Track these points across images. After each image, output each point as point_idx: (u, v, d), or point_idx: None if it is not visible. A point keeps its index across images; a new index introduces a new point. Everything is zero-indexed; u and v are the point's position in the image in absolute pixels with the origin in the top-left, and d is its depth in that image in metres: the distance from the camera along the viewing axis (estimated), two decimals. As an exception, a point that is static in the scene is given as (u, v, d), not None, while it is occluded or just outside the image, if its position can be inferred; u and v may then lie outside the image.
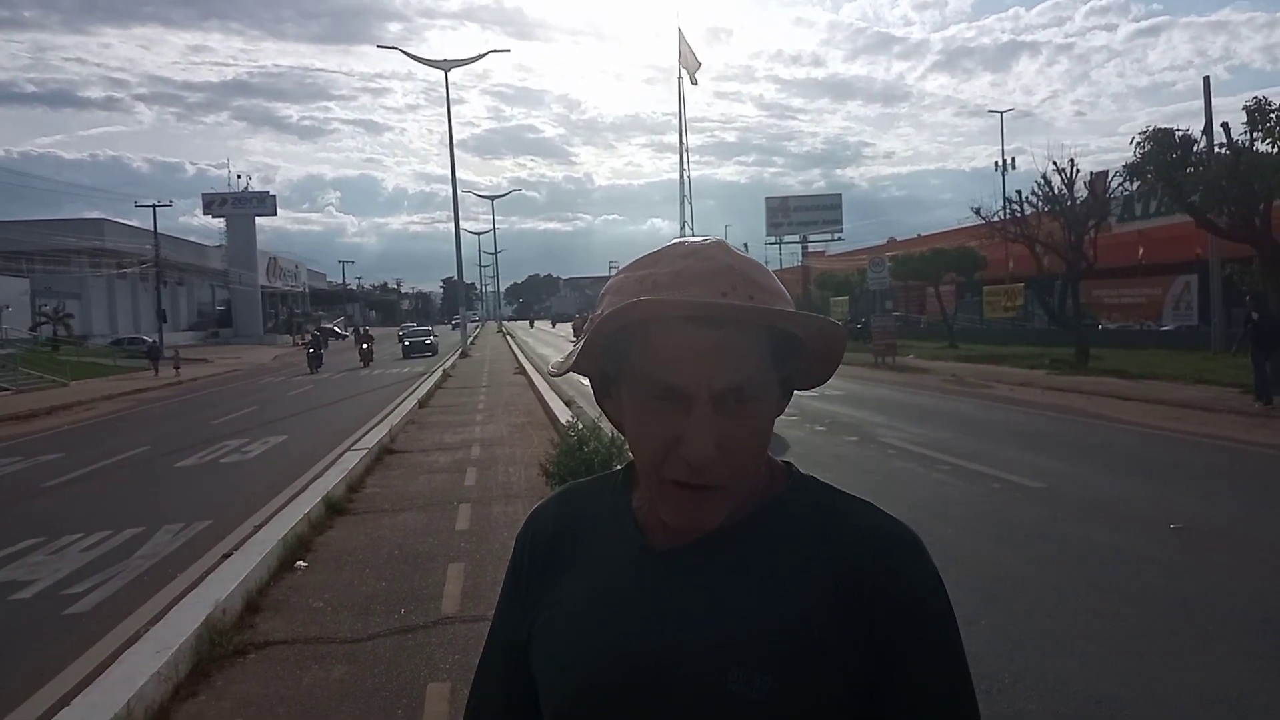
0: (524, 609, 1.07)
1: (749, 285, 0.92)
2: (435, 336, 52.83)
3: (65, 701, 4.46)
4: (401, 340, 50.03)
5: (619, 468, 1.12)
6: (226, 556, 7.15)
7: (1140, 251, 32.19)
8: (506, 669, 1.09)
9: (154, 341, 46.57)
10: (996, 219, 29.12)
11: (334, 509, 9.13)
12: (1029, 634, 5.23)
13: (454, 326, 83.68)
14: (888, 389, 20.92)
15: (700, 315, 0.89)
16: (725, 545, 0.97)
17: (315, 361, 37.46)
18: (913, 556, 0.95)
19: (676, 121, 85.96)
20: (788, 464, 1.05)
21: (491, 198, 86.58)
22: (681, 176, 70.51)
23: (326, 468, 11.62)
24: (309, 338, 35.07)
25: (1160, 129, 19.67)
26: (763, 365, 0.93)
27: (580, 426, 10.15)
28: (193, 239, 78.99)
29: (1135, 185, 24.90)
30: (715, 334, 0.90)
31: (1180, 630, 5.30)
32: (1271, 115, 17.76)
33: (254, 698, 4.73)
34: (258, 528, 8.21)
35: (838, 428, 14.31)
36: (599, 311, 0.95)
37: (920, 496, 8.90)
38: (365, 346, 41.66)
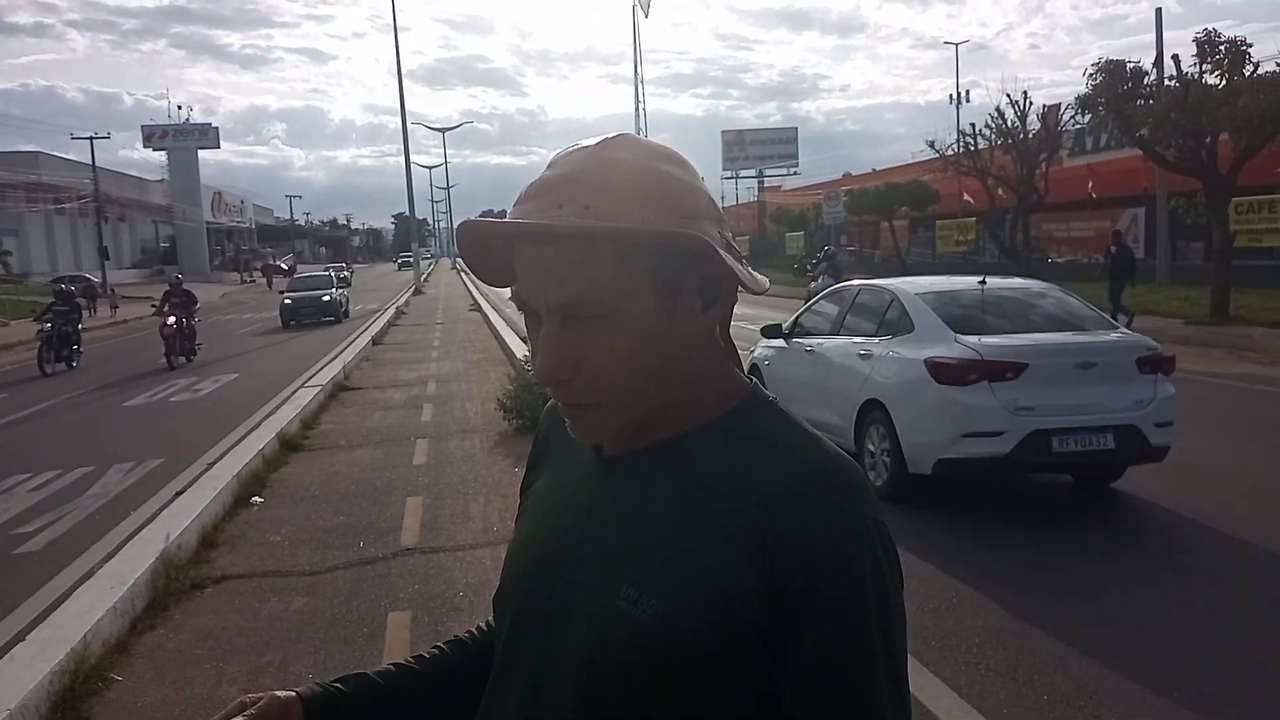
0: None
1: (592, 194, 0.85)
2: (344, 290, 32.35)
3: (20, 637, 4.42)
4: (284, 300, 29.12)
5: None
6: (180, 494, 7.07)
7: (1090, 185, 32.55)
8: None
9: (89, 280, 41.67)
10: (950, 153, 29.21)
11: (289, 445, 9.06)
12: (975, 557, 5.39)
13: (400, 266, 78.67)
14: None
15: (528, 231, 0.88)
16: (656, 461, 0.94)
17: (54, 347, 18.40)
18: (837, 499, 0.86)
19: (631, 52, 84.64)
20: (754, 383, 0.99)
21: (443, 130, 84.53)
22: (637, 109, 69.63)
23: (280, 404, 11.51)
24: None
25: (1112, 61, 19.78)
26: (616, 277, 0.86)
27: (537, 361, 10.16)
28: (133, 173, 76.49)
29: (1086, 118, 25.10)
30: (547, 249, 0.86)
31: (1122, 549, 5.48)
32: (1220, 48, 17.93)
33: (213, 630, 4.73)
34: (211, 465, 8.12)
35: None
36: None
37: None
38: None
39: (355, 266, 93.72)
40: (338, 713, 1.08)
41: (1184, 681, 3.84)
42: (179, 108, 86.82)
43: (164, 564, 5.32)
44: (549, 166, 0.91)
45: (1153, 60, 21.18)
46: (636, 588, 0.88)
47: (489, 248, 0.94)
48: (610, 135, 0.92)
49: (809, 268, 33.38)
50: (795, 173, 67.65)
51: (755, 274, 0.94)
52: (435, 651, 1.18)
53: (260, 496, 7.31)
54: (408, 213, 57.41)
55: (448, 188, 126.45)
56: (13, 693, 3.68)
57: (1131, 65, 19.76)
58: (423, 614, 4.80)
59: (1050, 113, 27.83)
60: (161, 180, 76.76)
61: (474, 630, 1.20)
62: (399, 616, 4.77)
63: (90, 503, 7.57)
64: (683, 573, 0.87)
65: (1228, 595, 4.79)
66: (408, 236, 68.70)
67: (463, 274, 67.15)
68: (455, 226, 0.93)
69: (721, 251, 0.88)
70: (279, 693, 1.06)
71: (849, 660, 0.84)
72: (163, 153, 76.68)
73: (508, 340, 16.94)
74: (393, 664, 1.16)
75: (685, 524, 0.89)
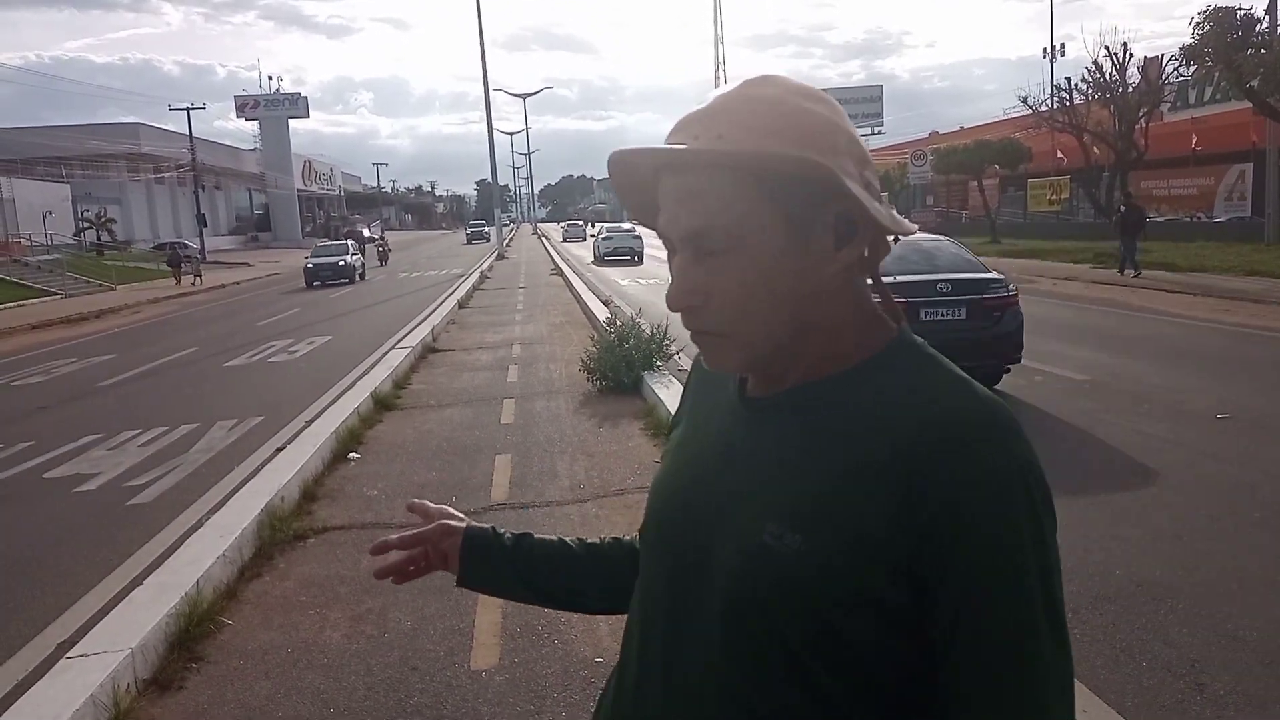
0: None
1: (726, 125, 0.88)
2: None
3: (137, 583, 4.67)
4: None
5: None
6: (280, 450, 7.35)
7: (1193, 140, 31.06)
8: None
9: (174, 247, 41.97)
10: (1044, 108, 28.18)
11: (382, 404, 9.31)
12: (1073, 521, 5.26)
13: (471, 239, 71.51)
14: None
15: (665, 162, 0.92)
16: (801, 402, 0.95)
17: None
18: (984, 444, 0.84)
19: (711, 13, 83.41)
20: (902, 326, 0.98)
21: (523, 95, 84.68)
22: (717, 71, 68.70)
23: (373, 365, 11.81)
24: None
25: (1221, 8, 18.81)
26: (744, 207, 0.88)
27: (619, 324, 10.21)
28: (227, 143, 78.93)
29: (1191, 70, 23.93)
30: (682, 179, 0.90)
31: (1224, 516, 5.30)
32: (1342, -9, 16.84)
33: (316, 578, 4.93)
34: (309, 422, 8.40)
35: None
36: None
37: (962, 389, 8.86)
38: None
39: (440, 231, 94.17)
40: (490, 553, 1.26)
41: (1294, 651, 3.71)
42: (269, 78, 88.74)
43: (268, 516, 5.54)
44: (700, 100, 0.94)
45: (1265, 6, 20.01)
46: (782, 524, 0.89)
47: (637, 181, 0.98)
48: (757, 75, 0.93)
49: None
50: (880, 132, 66.04)
51: (899, 217, 0.93)
52: (596, 542, 1.27)
53: (357, 453, 7.54)
54: (490, 179, 57.90)
55: (529, 153, 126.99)
56: (133, 632, 3.90)
57: (1242, 12, 18.80)
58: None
59: (1151, 65, 26.66)
60: (254, 149, 79.02)
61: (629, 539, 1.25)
62: (491, 570, 4.88)
63: (197, 458, 7.92)
64: (827, 510, 0.88)
65: (1342, 565, 4.59)
66: (490, 202, 69.04)
67: (543, 239, 67.51)
68: (607, 158, 0.96)
69: (854, 187, 0.87)
70: (450, 521, 1.28)
71: (1007, 605, 0.81)
72: (255, 122, 78.81)
73: (589, 304, 17.03)
74: (556, 538, 1.27)
75: (831, 463, 0.89)
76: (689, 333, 0.95)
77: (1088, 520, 5.26)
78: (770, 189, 0.87)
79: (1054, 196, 37.66)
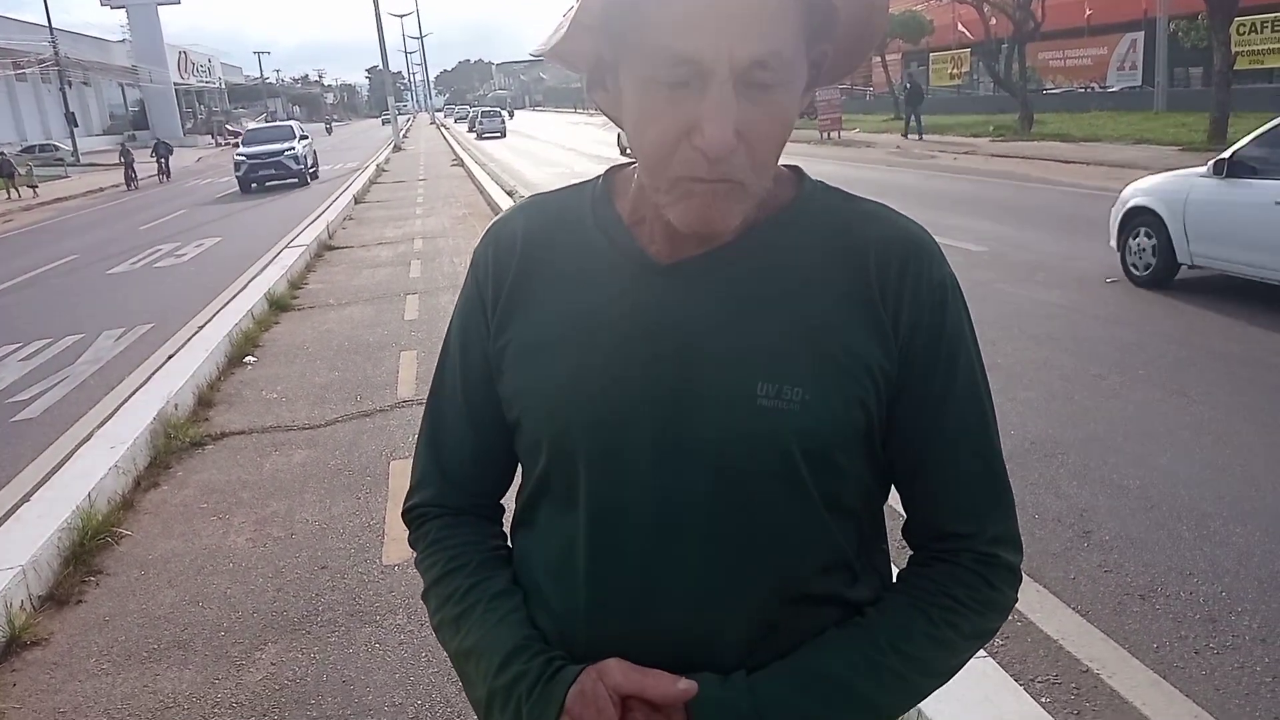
0: (493, 333, 0.96)
1: None
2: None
3: (26, 499, 4.47)
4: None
5: (590, 179, 1.00)
6: (171, 356, 7.05)
7: (1087, 11, 31.40)
8: (473, 404, 1.00)
9: (2, 154, 32.75)
10: (944, -21, 28.03)
11: (278, 306, 9.00)
12: (970, 385, 5.44)
13: (385, 122, 76.71)
14: (832, 164, 20.71)
15: None
16: (740, 256, 0.89)
17: None
18: (933, 259, 0.91)
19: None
20: (793, 167, 0.96)
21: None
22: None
23: (266, 266, 11.37)
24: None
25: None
26: (795, 40, 0.80)
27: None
28: (93, 34, 73.31)
29: (1086, -63, 23.94)
30: None
31: (1111, 374, 5.54)
32: None
33: (217, 484, 4.79)
34: (201, 327, 8.07)
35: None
36: None
37: (865, 265, 8.99)
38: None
39: (333, 123, 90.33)
40: None
41: (1175, 495, 3.92)
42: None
43: (162, 424, 5.34)
44: None
45: None
46: (774, 381, 0.85)
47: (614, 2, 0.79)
48: None
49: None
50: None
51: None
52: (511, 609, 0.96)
53: (253, 356, 7.30)
54: (381, 65, 55.30)
55: (421, 37, 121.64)
56: (23, 550, 3.74)
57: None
58: (423, 462, 4.85)
59: (1049, -68, 26.54)
60: (124, 41, 73.62)
61: (478, 561, 1.00)
62: (401, 464, 4.82)
63: (83, 369, 7.55)
64: (820, 354, 0.86)
65: (1217, 415, 4.84)
66: (383, 91, 66.37)
67: (442, 129, 65.35)
68: None
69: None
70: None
71: (970, 390, 0.93)
72: (122, 10, 73.27)
73: (493, 195, 16.61)
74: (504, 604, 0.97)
75: (803, 306, 0.87)
76: (689, 182, 0.81)
77: (985, 385, 5.43)
78: (809, 15, 0.81)
79: (955, 70, 37.89)
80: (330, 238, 13.98)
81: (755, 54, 0.76)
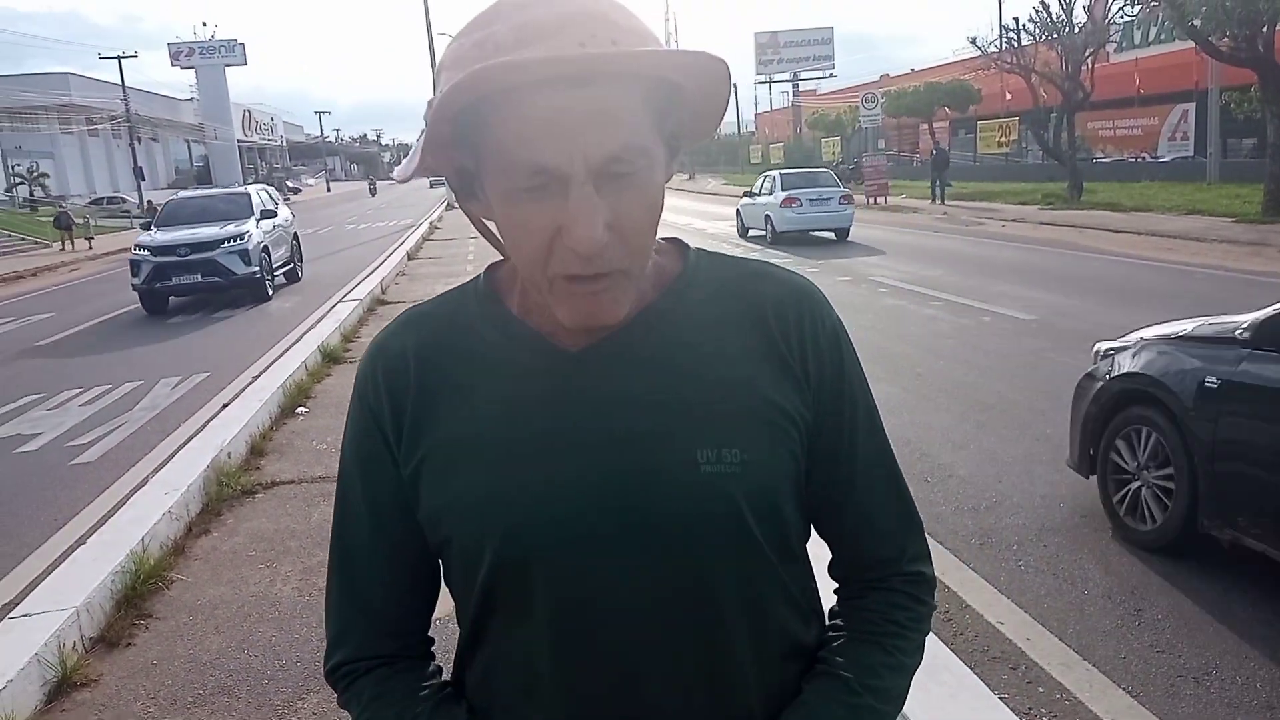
0: (399, 458, 0.93)
1: (610, 28, 0.76)
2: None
3: (81, 542, 4.58)
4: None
5: (468, 281, 0.99)
6: (226, 405, 7.21)
7: (1137, 81, 31.38)
8: (388, 537, 0.95)
9: (62, 207, 33.11)
10: (993, 49, 28.22)
11: (330, 358, 9.18)
12: (1018, 456, 5.37)
13: (433, 183, 67.39)
14: (880, 230, 20.78)
15: (559, 75, 0.74)
16: (645, 331, 0.90)
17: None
18: (822, 307, 0.96)
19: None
20: (673, 239, 0.99)
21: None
22: (667, 18, 67.79)
23: (320, 319, 11.63)
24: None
25: (1165, -53, 18.82)
26: (645, 124, 0.79)
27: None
28: (164, 93, 76.34)
29: (1136, 9, 24.05)
30: (584, 94, 0.75)
31: (1164, 448, 5.43)
32: (1284, -71, 16.94)
33: (266, 533, 4.87)
34: (255, 378, 8.26)
35: (829, 269, 14.30)
36: (435, 95, 0.78)
37: (912, 331, 8.95)
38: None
39: (376, 183, 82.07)
40: None
41: (1228, 573, 3.83)
42: (203, 24, 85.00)
43: (215, 471, 5.45)
44: (493, 21, 0.78)
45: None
46: (713, 446, 0.87)
47: (476, 110, 0.78)
48: None
49: (847, 173, 32.85)
50: (831, 75, 65.84)
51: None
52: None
53: (305, 407, 7.44)
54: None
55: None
56: (78, 591, 3.83)
57: (1186, -49, 18.79)
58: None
59: (1097, 3, 26.67)
60: (191, 99, 76.60)
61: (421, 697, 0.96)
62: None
63: (140, 415, 7.75)
64: (747, 412, 0.89)
65: None
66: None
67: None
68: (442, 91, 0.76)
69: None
70: None
71: (871, 422, 0.99)
72: (190, 71, 76.33)
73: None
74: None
75: (719, 370, 0.90)
76: (567, 281, 0.81)
77: (1032, 455, 5.36)
78: (654, 99, 0.80)
79: (1003, 138, 37.87)
80: (383, 292, 14.27)
81: (609, 152, 0.77)
